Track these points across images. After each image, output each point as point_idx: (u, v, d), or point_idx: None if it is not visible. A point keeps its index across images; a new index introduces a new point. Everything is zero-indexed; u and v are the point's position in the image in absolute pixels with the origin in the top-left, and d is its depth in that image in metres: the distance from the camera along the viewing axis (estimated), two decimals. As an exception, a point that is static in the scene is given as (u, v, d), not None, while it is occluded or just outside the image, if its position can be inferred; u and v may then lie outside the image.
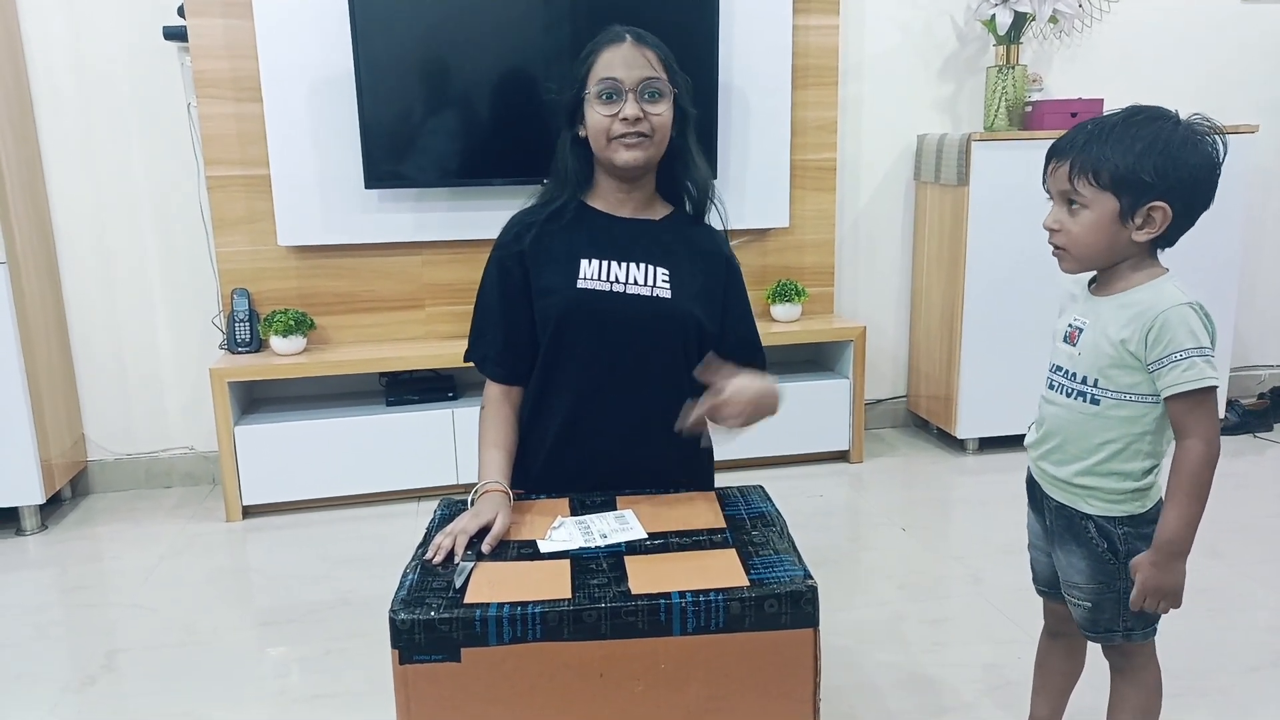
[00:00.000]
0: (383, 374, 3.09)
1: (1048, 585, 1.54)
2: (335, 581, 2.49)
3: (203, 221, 3.02)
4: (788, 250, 3.33)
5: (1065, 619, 1.51)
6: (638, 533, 1.39)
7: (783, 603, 1.21)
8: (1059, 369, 1.39)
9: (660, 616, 1.19)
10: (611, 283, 1.53)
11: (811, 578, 1.24)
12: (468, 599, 1.20)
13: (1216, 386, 1.24)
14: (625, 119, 1.47)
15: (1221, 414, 3.45)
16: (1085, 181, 1.27)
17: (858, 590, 2.35)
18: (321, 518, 2.92)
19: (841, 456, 3.30)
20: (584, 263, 1.54)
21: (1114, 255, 1.31)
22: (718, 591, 1.20)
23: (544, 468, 1.58)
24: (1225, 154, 1.27)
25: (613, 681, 1.20)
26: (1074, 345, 1.36)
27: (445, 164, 2.95)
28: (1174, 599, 1.32)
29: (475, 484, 1.51)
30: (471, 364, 1.64)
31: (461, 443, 2.96)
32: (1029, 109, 3.26)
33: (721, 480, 1.66)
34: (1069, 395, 1.36)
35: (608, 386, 1.55)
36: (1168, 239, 1.30)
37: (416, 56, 2.84)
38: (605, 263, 1.54)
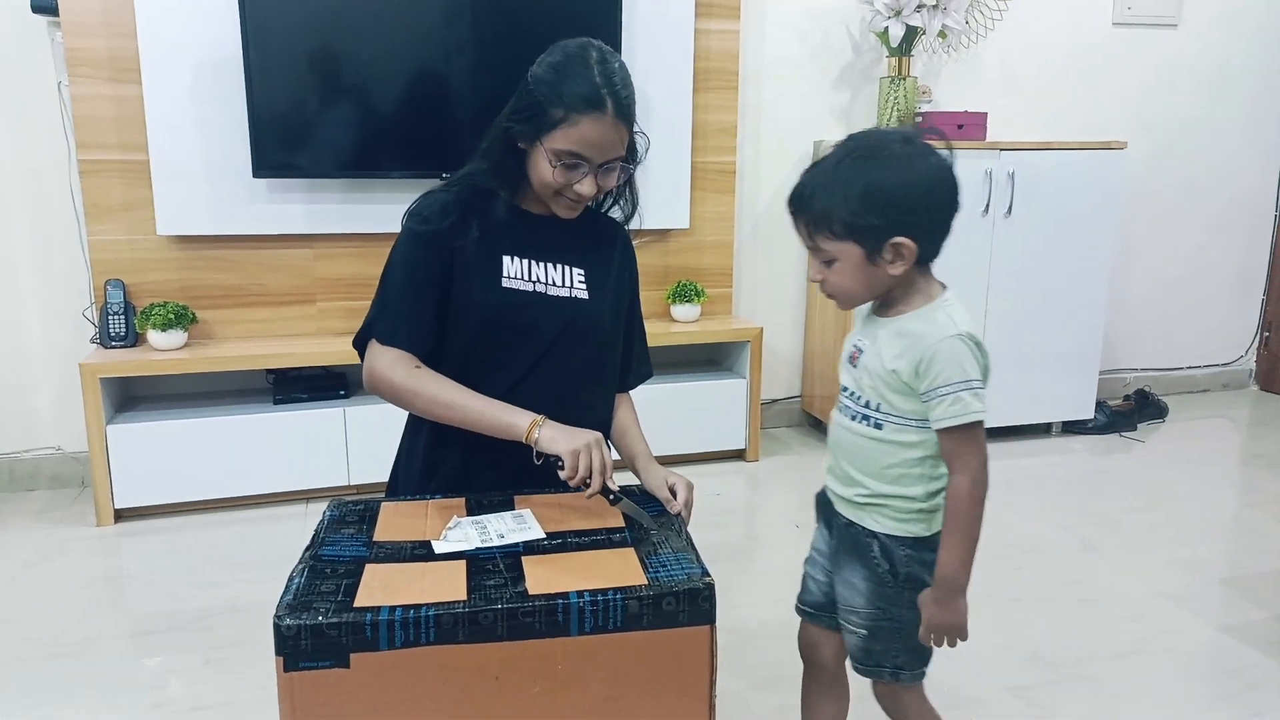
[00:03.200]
0: (270, 371, 2.97)
1: (814, 606, 1.48)
2: (217, 587, 2.38)
3: (74, 208, 2.85)
4: (687, 251, 3.36)
5: (818, 645, 1.49)
6: (536, 532, 1.37)
7: (680, 600, 1.20)
8: (845, 390, 1.37)
9: (558, 617, 1.17)
10: (534, 282, 1.50)
11: (709, 575, 1.24)
12: (357, 602, 1.16)
13: (982, 421, 1.22)
14: (579, 194, 1.44)
15: (1091, 415, 3.65)
16: (823, 236, 1.25)
17: (754, 588, 2.39)
18: (203, 521, 2.79)
19: (738, 455, 3.34)
20: (506, 260, 1.49)
21: (879, 290, 1.29)
22: (616, 590, 1.19)
23: (456, 471, 1.53)
24: (953, 160, 1.25)
25: (509, 684, 1.18)
26: (855, 367, 1.34)
27: (339, 154, 2.86)
28: (958, 633, 1.30)
29: (498, 428, 1.42)
30: (373, 339, 1.48)
31: (354, 442, 2.88)
32: (919, 119, 3.38)
33: (622, 480, 1.65)
34: (853, 418, 1.34)
35: (526, 389, 1.50)
36: (928, 256, 1.27)
37: (310, 39, 2.75)
38: (526, 261, 1.50)
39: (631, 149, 1.49)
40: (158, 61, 2.71)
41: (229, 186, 2.83)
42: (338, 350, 2.85)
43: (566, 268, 1.53)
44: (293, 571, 1.26)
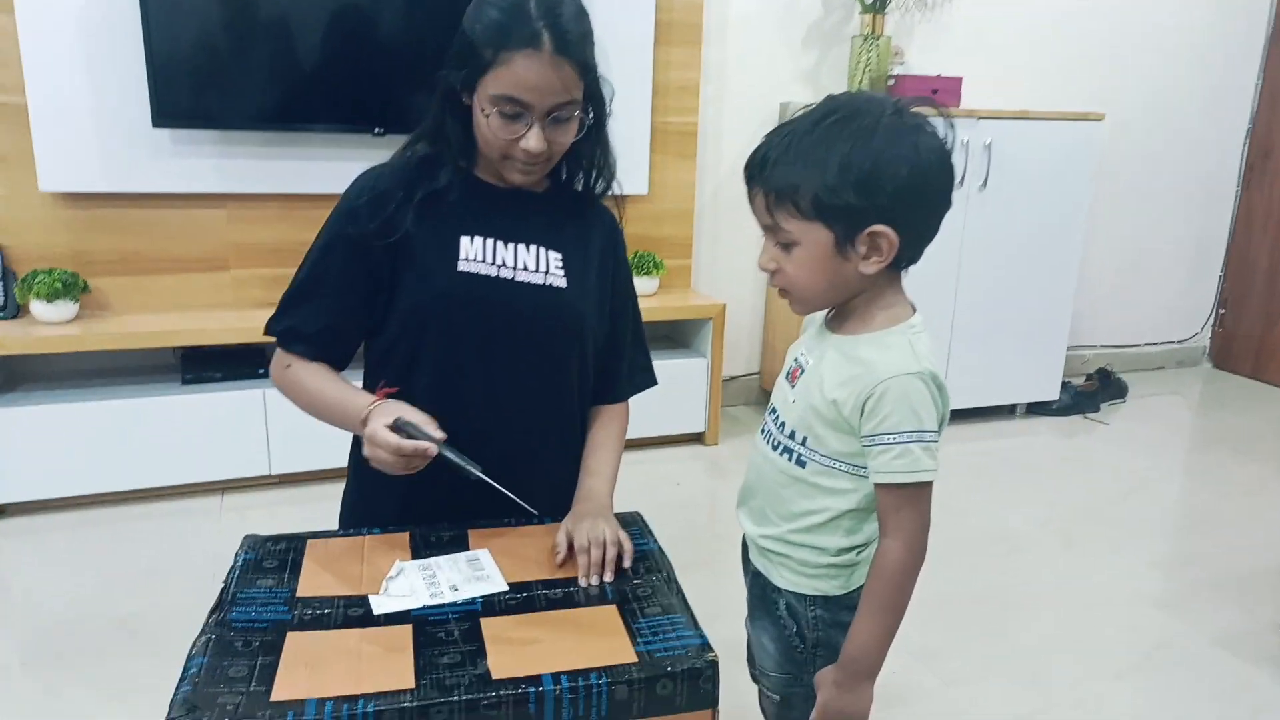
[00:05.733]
0: (178, 348, 2.64)
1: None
2: (115, 601, 2.09)
3: (-61, 157, 2.46)
4: (645, 220, 3.10)
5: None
6: (496, 583, 1.13)
7: (678, 682, 0.99)
8: (774, 411, 1.14)
9: (529, 707, 0.94)
10: (499, 266, 1.25)
11: (710, 649, 1.02)
12: (277, 693, 0.92)
13: (931, 482, 1.01)
14: (525, 150, 1.19)
15: (1056, 395, 3.54)
16: (785, 213, 1.00)
17: (721, 599, 2.19)
18: (100, 517, 2.47)
19: (697, 439, 3.14)
20: (464, 241, 1.24)
21: (844, 292, 1.05)
22: (599, 672, 0.97)
23: (401, 501, 1.27)
24: (953, 141, 1.01)
25: (468, 788, 0.95)
26: (793, 386, 1.11)
27: (256, 103, 2.52)
28: None
29: (352, 418, 1.20)
30: (273, 338, 1.30)
31: (275, 425, 2.58)
32: (892, 82, 3.16)
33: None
34: (775, 449, 1.12)
35: (485, 396, 1.27)
36: (908, 257, 1.03)
37: (219, -32, 2.39)
38: (490, 242, 1.25)
39: (593, 97, 1.23)
40: (36, -13, 2.32)
41: (125, 137, 2.47)
42: (256, 324, 2.50)
43: (541, 250, 1.28)
44: (193, 646, 1.00)
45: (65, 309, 2.44)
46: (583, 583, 1.13)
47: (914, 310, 1.07)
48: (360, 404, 1.19)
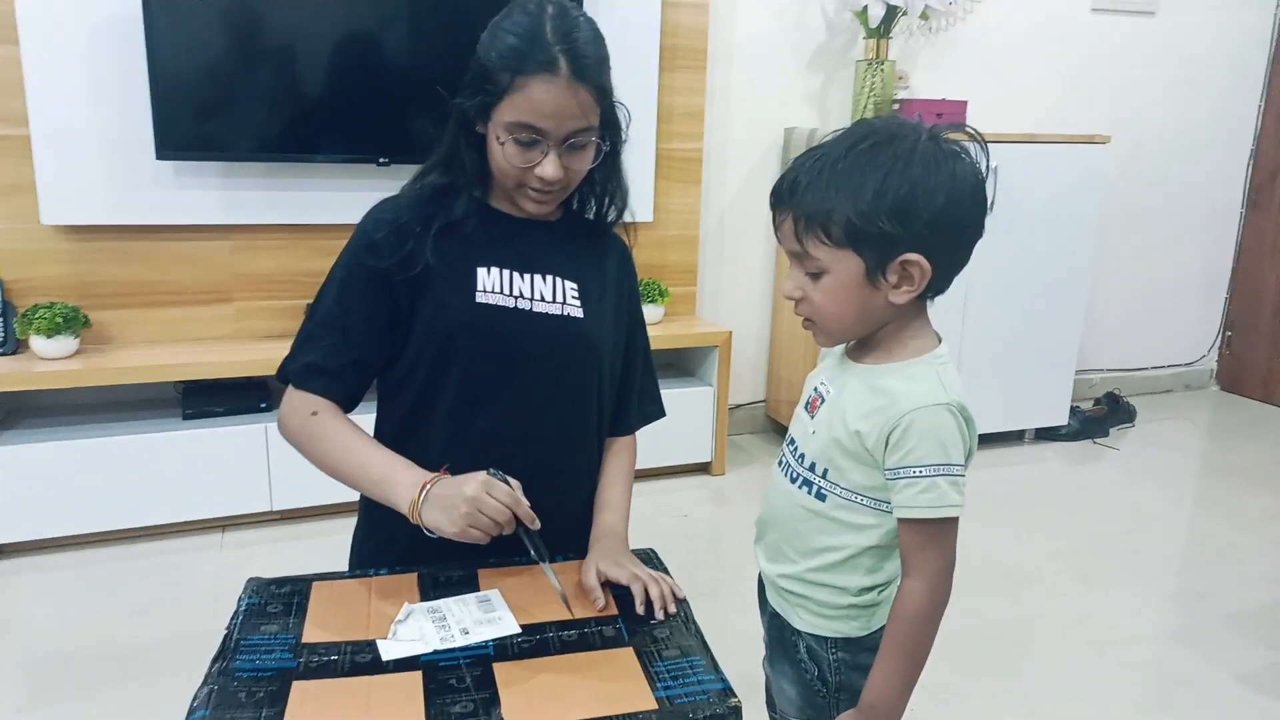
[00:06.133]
0: (179, 382, 2.61)
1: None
2: (116, 641, 2.04)
3: (-60, 190, 2.44)
4: (650, 247, 3.08)
5: None
6: (508, 625, 1.10)
7: (701, 729, 0.95)
8: (792, 442, 1.12)
9: (546, 759, 0.90)
10: (516, 297, 1.22)
11: (733, 693, 0.98)
12: (282, 748, 0.88)
13: (957, 519, 0.98)
14: (541, 178, 1.17)
15: (1065, 420, 3.50)
16: (815, 240, 0.98)
17: (730, 632, 2.15)
18: (101, 556, 2.42)
19: (703, 469, 3.10)
20: (481, 272, 1.22)
21: (871, 322, 1.02)
22: None
23: (411, 539, 1.24)
24: (988, 169, 1.00)
25: (482, 844, 0.91)
26: (813, 417, 1.08)
27: (259, 133, 2.51)
28: None
29: (388, 491, 1.15)
30: (283, 381, 1.25)
31: (276, 460, 2.54)
32: (897, 106, 3.15)
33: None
34: (794, 481, 1.09)
35: (502, 429, 1.24)
36: (938, 287, 1.01)
37: (223, -2, 2.38)
38: (506, 273, 1.23)
39: (610, 123, 1.21)
40: (39, 18, 2.32)
41: (128, 169, 2.45)
42: (259, 357, 2.50)
43: (557, 280, 1.25)
44: (195, 697, 0.96)
45: (66, 344, 2.41)
46: (658, 614, 1.11)
47: (940, 340, 1.04)
48: (414, 474, 1.14)
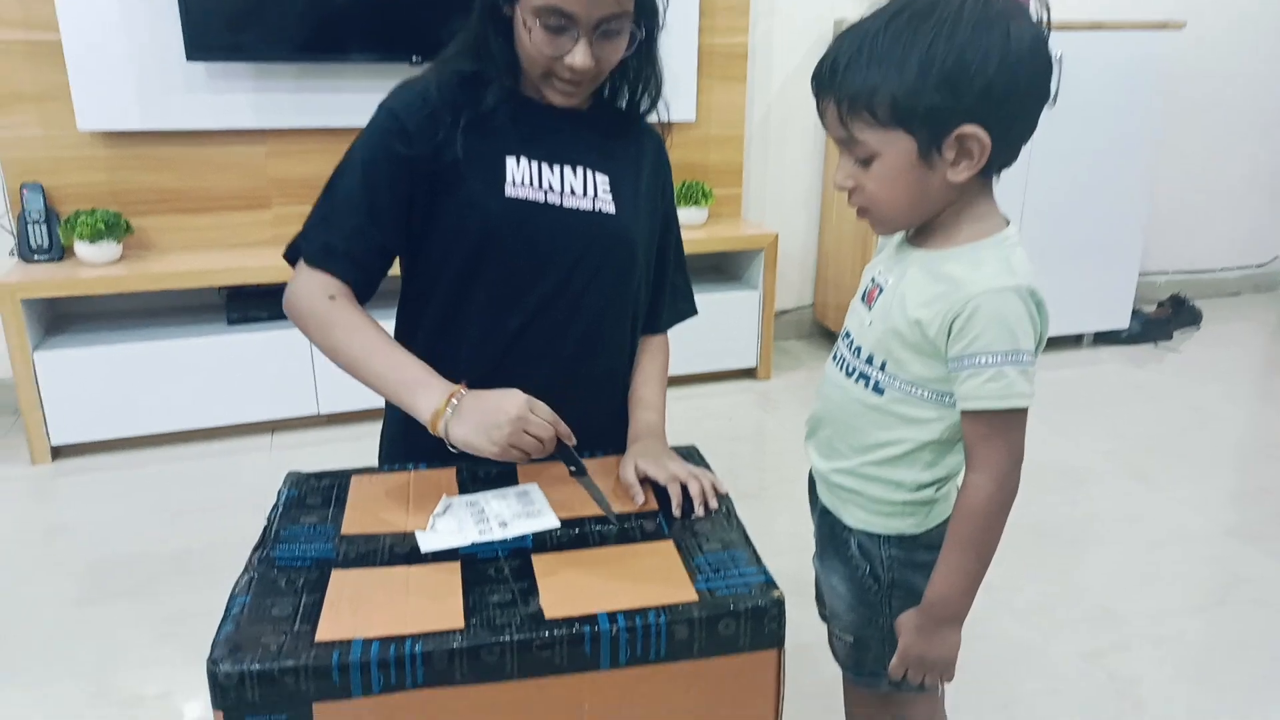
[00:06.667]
0: (222, 288, 2.61)
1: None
2: (169, 539, 2.10)
3: (-23, 97, 2.43)
4: (693, 147, 2.98)
5: None
6: (548, 519, 1.08)
7: (742, 621, 0.93)
8: (846, 335, 1.06)
9: (585, 648, 0.89)
10: (546, 190, 1.17)
11: (775, 585, 0.96)
12: (321, 634, 0.87)
13: (1026, 410, 0.92)
14: (571, 68, 1.09)
15: (1126, 324, 3.37)
16: (861, 123, 0.90)
17: (773, 530, 2.14)
18: (153, 458, 2.48)
19: (749, 374, 3.06)
20: (510, 163, 1.16)
21: (931, 205, 0.95)
22: (658, 611, 0.91)
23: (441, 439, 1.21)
24: (1049, 24, 0.90)
25: (522, 730, 0.91)
26: (870, 308, 1.02)
27: (290, 34, 2.44)
28: (940, 672, 1.03)
29: (401, 392, 1.10)
30: (298, 258, 1.17)
31: (321, 364, 2.55)
32: (954, -8, 2.97)
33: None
34: (850, 374, 1.04)
35: (537, 330, 1.20)
36: (1002, 160, 0.93)
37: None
38: (535, 164, 1.17)
39: (645, 8, 1.13)
40: (64, -83, 2.26)
41: (160, 72, 2.42)
42: (299, 263, 2.49)
43: (588, 172, 1.19)
44: (236, 585, 0.96)
45: (109, 250, 2.42)
46: (699, 511, 1.08)
47: (1007, 222, 0.97)
48: (439, 384, 1.09)
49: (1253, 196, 3.96)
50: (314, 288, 1.15)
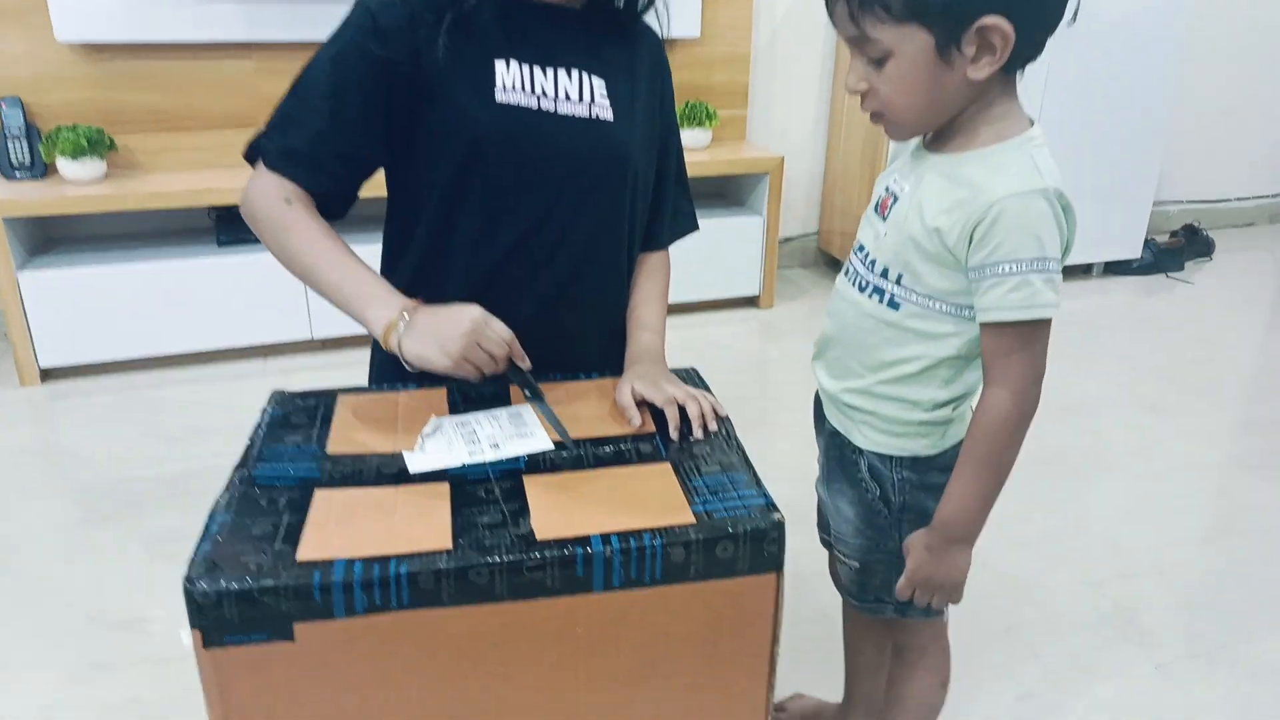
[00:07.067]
0: (212, 208, 2.55)
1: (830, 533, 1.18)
2: (163, 461, 2.08)
3: (-49, 6, 2.34)
4: (697, 66, 2.88)
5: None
6: (540, 441, 1.04)
7: (740, 544, 0.89)
8: (860, 249, 1.01)
9: (577, 570, 0.86)
10: (539, 96, 1.09)
11: (775, 508, 0.92)
12: (303, 553, 0.84)
13: (1050, 320, 0.88)
14: None
15: (1138, 253, 3.31)
16: (873, 18, 0.84)
17: (775, 459, 2.11)
18: (145, 381, 2.45)
19: (751, 302, 3.01)
20: (499, 66, 1.08)
21: (949, 106, 0.89)
22: (653, 533, 0.88)
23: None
24: None
25: (512, 653, 0.89)
26: (884, 218, 0.96)
27: (275, -61, 2.33)
28: (949, 595, 1.00)
29: (355, 305, 1.04)
30: (256, 159, 1.09)
31: (316, 290, 2.50)
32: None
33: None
34: (862, 289, 0.99)
35: (527, 241, 1.13)
36: (1026, 55, 0.86)
37: None
38: (527, 67, 1.09)
39: None
40: None
41: (141, -21, 2.31)
42: (289, 183, 2.42)
43: (583, 76, 1.12)
44: (216, 502, 0.93)
45: (93, 167, 2.35)
46: (698, 433, 1.03)
47: (1032, 122, 0.91)
48: (393, 297, 1.03)
49: (1270, 126, 3.85)
50: (271, 190, 1.06)
